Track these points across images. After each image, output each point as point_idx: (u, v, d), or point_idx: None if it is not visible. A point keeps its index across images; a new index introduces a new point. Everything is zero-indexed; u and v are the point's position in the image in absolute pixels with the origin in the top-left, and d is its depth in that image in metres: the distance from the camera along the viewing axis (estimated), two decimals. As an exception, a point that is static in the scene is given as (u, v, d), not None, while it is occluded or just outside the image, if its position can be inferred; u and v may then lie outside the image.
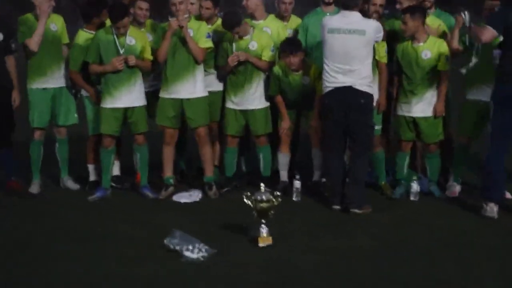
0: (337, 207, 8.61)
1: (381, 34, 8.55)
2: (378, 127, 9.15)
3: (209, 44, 9.20)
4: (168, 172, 9.42)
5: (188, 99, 9.18)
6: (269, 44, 9.29)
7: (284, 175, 9.51)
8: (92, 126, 9.59)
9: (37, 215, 8.62)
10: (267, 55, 9.28)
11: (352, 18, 8.43)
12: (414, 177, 9.10)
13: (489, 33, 7.98)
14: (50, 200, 9.30)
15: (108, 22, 9.37)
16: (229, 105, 9.46)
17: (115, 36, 9.05)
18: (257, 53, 9.26)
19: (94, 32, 9.32)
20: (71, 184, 9.79)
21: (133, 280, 6.58)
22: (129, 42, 9.10)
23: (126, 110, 9.18)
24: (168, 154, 9.37)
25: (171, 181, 9.42)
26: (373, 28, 8.44)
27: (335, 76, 8.40)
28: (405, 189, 9.11)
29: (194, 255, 7.06)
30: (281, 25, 9.71)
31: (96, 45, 9.08)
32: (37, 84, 9.49)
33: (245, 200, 7.43)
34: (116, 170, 9.84)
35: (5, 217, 8.63)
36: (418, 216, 8.45)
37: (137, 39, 9.15)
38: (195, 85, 9.19)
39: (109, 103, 9.12)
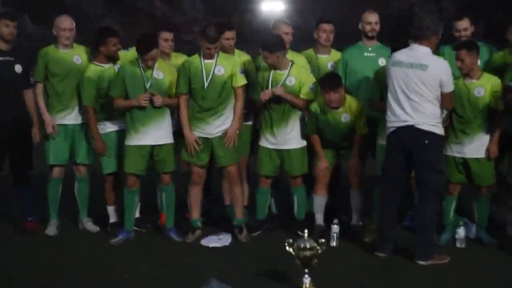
0: (381, 254, 7.98)
1: (450, 81, 7.89)
2: None
3: (244, 80, 8.70)
4: (196, 215, 8.81)
5: (217, 136, 8.62)
6: (308, 81, 8.73)
7: (320, 218, 8.90)
8: (108, 164, 9.00)
9: (55, 257, 8.16)
10: (305, 93, 8.71)
11: (417, 51, 7.82)
12: (461, 223, 8.48)
13: None
14: (69, 242, 8.73)
15: (125, 54, 8.95)
16: (263, 143, 8.89)
17: (141, 69, 8.49)
18: (294, 90, 8.69)
19: (104, 65, 8.80)
20: (91, 226, 9.18)
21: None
22: (156, 76, 8.55)
23: (153, 147, 8.59)
24: (196, 195, 8.78)
25: (199, 223, 8.82)
26: (440, 66, 7.81)
27: (397, 114, 7.81)
28: (451, 235, 8.48)
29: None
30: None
31: (122, 78, 8.52)
32: (56, 120, 8.93)
33: (287, 247, 6.81)
34: (136, 212, 9.23)
35: (19, 257, 8.13)
36: (464, 263, 7.86)
37: (165, 73, 8.60)
38: (224, 121, 8.62)
39: (135, 140, 8.54)
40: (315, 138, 8.76)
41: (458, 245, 8.37)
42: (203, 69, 8.48)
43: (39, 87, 8.97)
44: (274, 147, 8.83)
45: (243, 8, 32.77)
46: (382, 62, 9.08)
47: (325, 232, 8.65)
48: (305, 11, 27.33)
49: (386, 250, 7.99)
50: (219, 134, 8.59)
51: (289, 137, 8.77)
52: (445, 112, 8.07)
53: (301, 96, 8.72)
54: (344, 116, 8.57)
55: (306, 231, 6.89)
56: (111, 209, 9.17)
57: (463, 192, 8.67)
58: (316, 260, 6.79)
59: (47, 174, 9.16)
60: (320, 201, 8.89)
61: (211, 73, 8.47)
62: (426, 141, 7.71)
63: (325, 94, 8.49)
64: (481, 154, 8.31)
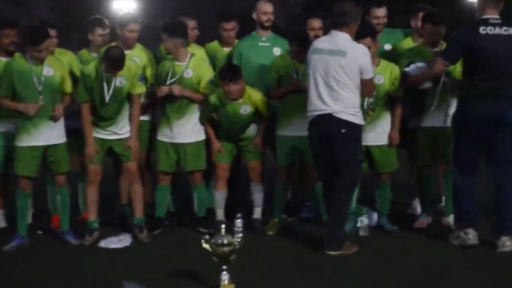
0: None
1: (370, 68, 7.81)
2: None
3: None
4: (92, 216, 8.45)
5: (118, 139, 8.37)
6: (207, 74, 8.58)
7: (220, 214, 8.73)
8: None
9: None
10: (204, 87, 8.55)
11: (337, 38, 7.73)
12: (364, 211, 8.52)
13: (438, 65, 7.78)
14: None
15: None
16: (161, 137, 8.64)
17: (30, 66, 8.06)
18: (192, 82, 8.50)
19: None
20: None
21: None
22: (47, 73, 8.11)
23: (46, 148, 8.17)
24: (92, 194, 8.43)
25: (96, 225, 8.46)
26: (358, 52, 7.70)
27: (315, 103, 7.69)
28: (354, 224, 8.49)
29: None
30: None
31: (9, 76, 8.06)
32: None
33: (203, 244, 6.59)
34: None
35: None
36: (369, 251, 7.83)
37: (55, 69, 8.18)
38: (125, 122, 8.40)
39: (26, 141, 8.10)
40: (207, 124, 8.61)
41: (361, 233, 8.39)
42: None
43: None
44: (170, 141, 8.59)
45: (91, 7, 32.09)
46: (277, 51, 9.03)
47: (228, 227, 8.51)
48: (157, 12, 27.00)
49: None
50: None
51: (184, 131, 8.56)
52: (369, 100, 8.09)
53: (200, 89, 8.52)
54: (243, 108, 8.43)
55: (223, 226, 6.69)
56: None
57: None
58: (234, 256, 6.61)
59: None
60: (220, 196, 8.72)
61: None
62: (343, 130, 7.61)
63: (225, 86, 8.33)
64: (383, 141, 8.35)
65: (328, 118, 7.61)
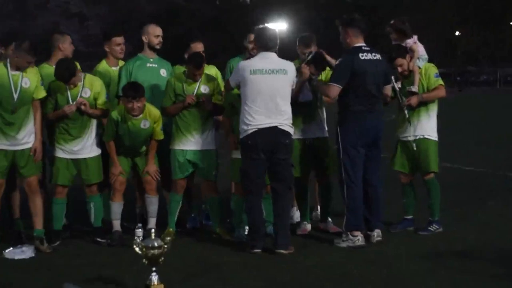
0: (259, 250, 8.43)
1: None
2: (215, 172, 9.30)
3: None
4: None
5: (21, 149, 8.58)
6: (103, 91, 8.97)
7: (117, 225, 9.12)
8: None
9: None
10: (102, 103, 8.96)
11: (273, 59, 8.45)
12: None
13: (334, 90, 8.63)
14: None
15: None
16: (59, 154, 8.94)
17: (10, 76, 8.41)
18: (90, 101, 8.88)
19: None
20: None
21: None
22: (24, 84, 8.42)
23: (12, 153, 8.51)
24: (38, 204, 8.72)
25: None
26: (293, 68, 8.56)
27: (258, 118, 8.30)
28: (244, 231, 9.17)
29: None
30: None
31: None
32: None
33: (134, 247, 7.04)
34: None
35: None
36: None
37: (31, 80, 8.51)
38: (28, 134, 8.61)
39: None
40: (111, 145, 8.99)
41: None
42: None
43: None
44: (70, 157, 8.91)
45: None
46: (163, 73, 9.62)
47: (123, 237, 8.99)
48: None
49: (260, 246, 8.47)
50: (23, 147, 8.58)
51: (85, 146, 8.92)
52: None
53: (98, 106, 8.92)
54: (143, 123, 8.90)
55: (153, 230, 7.14)
56: None
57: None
58: (162, 258, 7.08)
59: None
60: (117, 208, 9.11)
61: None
62: (287, 141, 8.40)
63: (127, 104, 8.77)
64: None
65: (274, 130, 8.35)
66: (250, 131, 8.37)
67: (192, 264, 8.01)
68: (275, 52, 8.55)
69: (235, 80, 8.54)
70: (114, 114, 8.89)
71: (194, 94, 9.01)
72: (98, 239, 8.98)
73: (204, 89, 9.08)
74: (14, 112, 8.42)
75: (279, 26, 50.76)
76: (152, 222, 9.18)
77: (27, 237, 8.98)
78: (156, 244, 7.04)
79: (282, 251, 8.37)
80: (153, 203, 9.17)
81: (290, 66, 8.54)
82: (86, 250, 8.76)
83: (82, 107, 8.75)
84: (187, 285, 7.35)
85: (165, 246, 7.08)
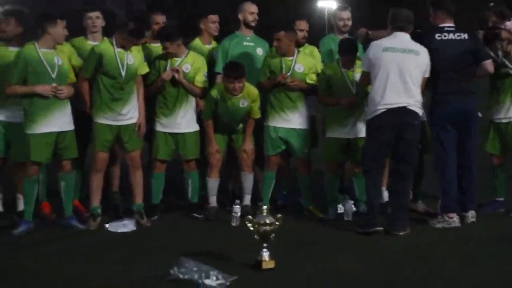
0: (381, 228, 8.44)
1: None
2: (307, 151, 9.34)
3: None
4: (96, 202, 8.81)
5: (126, 124, 8.71)
6: (202, 68, 9.09)
7: (213, 201, 9.28)
8: (16, 152, 8.79)
9: None
10: (200, 81, 9.07)
11: (406, 39, 8.45)
12: (340, 199, 9.33)
13: None
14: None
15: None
16: (158, 128, 9.09)
17: (41, 55, 8.38)
18: (190, 77, 9.01)
19: None
20: None
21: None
22: (57, 61, 8.45)
23: (57, 134, 8.45)
24: (97, 181, 8.78)
25: (99, 210, 8.82)
26: (426, 53, 8.49)
27: (387, 98, 8.29)
28: (336, 210, 9.29)
29: (213, 283, 6.68)
30: None
31: (23, 64, 8.32)
32: None
33: (247, 223, 7.19)
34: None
35: None
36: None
37: (63, 58, 8.55)
38: (133, 110, 8.75)
39: (39, 128, 8.36)
40: (209, 123, 9.12)
41: (346, 218, 9.16)
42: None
43: None
44: (168, 131, 9.05)
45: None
46: (259, 51, 9.67)
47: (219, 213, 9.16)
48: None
49: (380, 224, 8.46)
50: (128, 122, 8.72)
51: (183, 121, 9.06)
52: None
53: (196, 83, 9.04)
54: (242, 102, 9.01)
55: (265, 207, 7.28)
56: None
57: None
58: (274, 235, 7.23)
59: None
60: (213, 184, 9.25)
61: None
62: (416, 122, 8.42)
63: (229, 84, 8.88)
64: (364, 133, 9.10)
65: (403, 111, 8.32)
66: (379, 112, 8.33)
67: (286, 241, 8.01)
68: (409, 33, 8.52)
69: (365, 63, 8.50)
70: (214, 93, 9.01)
71: (290, 73, 9.09)
72: (195, 214, 9.14)
73: (298, 67, 9.15)
74: (122, 89, 8.57)
75: (328, 4, 50.18)
76: (247, 199, 9.31)
77: (124, 211, 9.17)
78: (268, 221, 7.19)
79: (400, 233, 8.40)
80: (248, 180, 9.29)
81: (423, 50, 8.48)
82: (183, 225, 8.93)
83: (176, 75, 8.88)
84: (287, 261, 7.41)
85: (277, 223, 7.23)
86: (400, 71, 8.32)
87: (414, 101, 8.40)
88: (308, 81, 9.20)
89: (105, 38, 8.86)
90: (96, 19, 9.32)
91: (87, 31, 9.34)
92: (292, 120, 9.16)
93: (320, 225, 8.96)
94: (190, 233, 8.58)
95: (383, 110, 8.32)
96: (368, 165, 8.56)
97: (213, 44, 9.83)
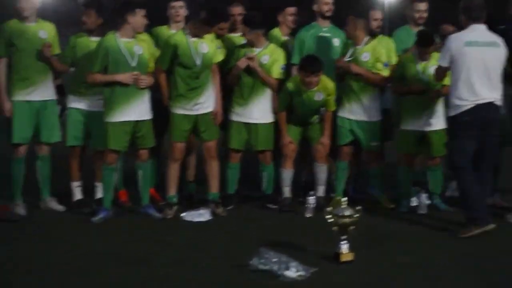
0: (493, 225, 8.13)
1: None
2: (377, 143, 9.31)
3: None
4: (173, 191, 8.92)
5: (202, 114, 8.78)
6: (280, 60, 9.13)
7: (287, 192, 9.32)
8: (73, 137, 8.96)
9: (28, 238, 7.91)
10: (277, 72, 9.10)
11: (484, 31, 8.29)
12: (414, 193, 9.29)
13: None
14: (38, 222, 8.51)
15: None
16: (233, 117, 9.17)
17: (121, 44, 8.50)
18: (267, 68, 9.06)
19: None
20: (56, 206, 8.98)
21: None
22: (137, 51, 8.57)
23: (135, 123, 8.58)
24: (175, 170, 8.89)
25: (175, 200, 8.93)
26: (502, 43, 8.31)
27: (475, 93, 8.13)
28: (409, 203, 9.26)
29: (293, 274, 6.73)
30: None
31: (104, 53, 8.45)
32: (21, 96, 8.66)
33: (326, 215, 7.22)
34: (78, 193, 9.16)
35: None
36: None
37: (143, 48, 8.66)
38: (209, 99, 8.81)
39: (117, 116, 8.49)
40: (282, 115, 9.16)
41: (420, 211, 9.12)
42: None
43: (2, 62, 8.66)
44: (243, 120, 9.12)
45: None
46: (336, 42, 9.65)
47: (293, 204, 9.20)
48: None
49: (488, 220, 8.17)
50: (204, 111, 8.79)
51: (257, 111, 9.11)
52: None
53: (273, 75, 9.08)
54: (317, 95, 9.02)
55: (345, 199, 7.30)
56: (75, 185, 9.05)
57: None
58: (353, 227, 7.24)
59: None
60: (287, 175, 9.29)
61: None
62: (498, 117, 8.30)
63: (305, 77, 8.89)
64: (439, 126, 9.07)
65: (490, 106, 8.18)
66: (467, 107, 8.15)
67: (360, 233, 7.76)
68: (483, 23, 8.33)
69: (447, 58, 8.27)
70: (289, 85, 9.04)
71: (350, 59, 9.13)
72: (269, 205, 9.20)
73: (364, 56, 9.14)
74: (198, 78, 8.65)
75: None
76: (321, 190, 9.33)
77: (198, 200, 9.28)
78: (348, 213, 7.21)
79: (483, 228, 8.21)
80: (322, 171, 9.31)
81: (501, 41, 8.32)
82: (258, 215, 9.00)
83: (250, 62, 8.92)
84: (364, 253, 7.40)
85: (356, 215, 7.24)
86: (485, 66, 8.17)
87: (498, 95, 8.28)
88: (373, 70, 9.14)
89: (179, 29, 8.97)
90: (179, 8, 9.42)
91: (170, 21, 9.43)
92: (362, 111, 9.17)
93: (393, 217, 8.95)
94: (265, 224, 8.64)
95: (472, 106, 8.14)
96: (459, 162, 8.26)
97: (291, 37, 9.85)
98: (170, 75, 8.76)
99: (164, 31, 9.39)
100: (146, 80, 8.51)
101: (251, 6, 9.87)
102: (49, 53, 8.68)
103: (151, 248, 7.56)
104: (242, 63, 8.94)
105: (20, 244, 7.69)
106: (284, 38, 9.77)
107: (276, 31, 9.78)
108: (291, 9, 9.73)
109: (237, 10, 9.62)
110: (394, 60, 9.37)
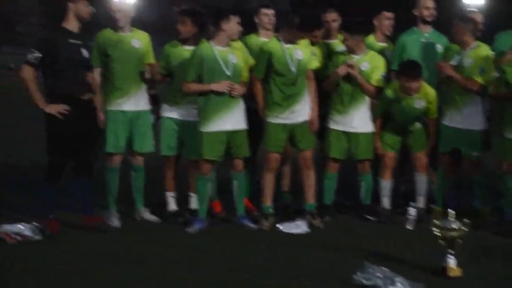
0: None
1: None
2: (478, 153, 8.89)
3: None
4: (269, 201, 8.70)
5: (299, 122, 8.55)
6: (381, 68, 8.84)
7: (386, 202, 9.00)
8: (167, 146, 8.79)
9: (126, 249, 7.74)
10: (377, 80, 8.81)
11: None
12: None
13: None
14: (133, 233, 8.32)
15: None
16: (332, 125, 8.90)
17: (217, 53, 8.32)
18: (367, 75, 8.77)
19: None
20: (150, 216, 8.85)
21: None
22: (231, 60, 8.38)
23: (230, 133, 8.40)
24: (270, 181, 8.68)
25: (271, 210, 8.71)
26: None
27: None
28: None
29: (400, 291, 6.44)
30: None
31: (198, 62, 8.31)
32: (114, 106, 8.55)
33: (433, 229, 6.89)
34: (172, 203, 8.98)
35: (86, 252, 7.57)
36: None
37: (237, 57, 8.48)
38: (305, 106, 8.58)
39: (213, 126, 8.32)
40: (378, 122, 8.89)
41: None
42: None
43: (96, 72, 8.59)
44: (342, 129, 8.84)
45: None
46: (439, 48, 9.26)
47: (392, 215, 8.88)
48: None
49: None
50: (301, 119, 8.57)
51: (357, 119, 8.81)
52: None
53: (372, 82, 8.78)
54: (418, 102, 8.70)
55: (452, 212, 6.96)
56: (169, 195, 8.91)
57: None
58: (460, 241, 6.90)
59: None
60: (386, 185, 8.98)
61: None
62: None
63: (405, 83, 8.60)
64: None
65: None
66: None
67: (465, 245, 7.32)
68: None
69: None
70: (389, 92, 8.75)
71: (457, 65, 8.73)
72: (368, 216, 8.91)
73: (466, 62, 8.71)
74: (294, 85, 8.44)
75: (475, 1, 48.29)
76: (421, 201, 8.99)
77: (294, 210, 9.04)
78: (455, 227, 6.89)
79: None
80: (423, 181, 8.98)
81: None
82: (356, 227, 8.74)
83: (350, 70, 8.64)
84: (472, 268, 7.07)
85: (464, 228, 6.91)
86: None
87: None
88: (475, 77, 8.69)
89: (272, 36, 8.78)
90: (272, 16, 9.22)
91: (260, 28, 9.22)
92: (462, 119, 8.73)
93: (498, 229, 8.52)
94: (364, 235, 8.36)
95: None
96: None
97: (388, 44, 9.54)
98: (265, 83, 8.54)
99: (253, 39, 9.19)
100: (240, 89, 8.31)
101: (344, 12, 9.55)
102: (156, 74, 8.65)
103: (242, 257, 7.43)
104: (342, 70, 8.67)
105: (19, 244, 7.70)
106: (380, 44, 9.45)
107: (370, 38, 9.46)
108: (388, 14, 9.42)
109: (332, 17, 9.35)
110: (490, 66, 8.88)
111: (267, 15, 9.21)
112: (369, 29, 9.48)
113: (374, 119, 8.90)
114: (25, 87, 8.01)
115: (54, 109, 7.96)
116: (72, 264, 7.04)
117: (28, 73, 7.98)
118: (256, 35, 9.24)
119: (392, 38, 9.58)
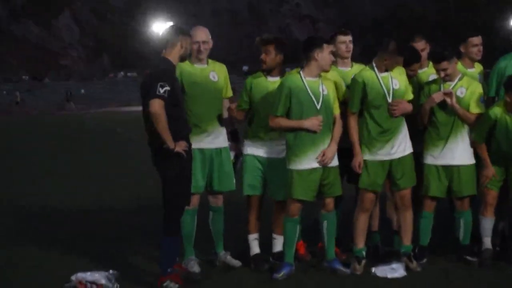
0: None
1: None
2: None
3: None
4: (361, 243, 8.04)
5: (398, 158, 7.90)
6: (479, 92, 8.13)
7: (488, 242, 8.25)
8: (250, 185, 8.17)
9: None
10: (476, 106, 8.10)
11: None
12: None
13: None
14: (217, 281, 7.78)
15: None
16: (429, 160, 8.18)
17: (306, 84, 7.75)
18: (465, 102, 8.07)
19: None
20: (232, 261, 8.23)
21: None
22: (322, 91, 7.78)
23: (323, 170, 7.76)
24: (363, 222, 8.03)
25: (364, 253, 8.04)
26: None
27: None
28: None
29: None
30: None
31: (287, 95, 7.71)
32: (192, 144, 7.92)
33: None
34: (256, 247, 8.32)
35: None
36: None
37: (328, 88, 7.85)
38: (405, 140, 7.96)
39: (305, 163, 7.70)
40: (483, 147, 8.13)
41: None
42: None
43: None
44: (441, 163, 8.13)
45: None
46: None
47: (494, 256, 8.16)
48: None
49: None
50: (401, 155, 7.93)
51: (457, 151, 8.10)
52: None
53: (471, 110, 8.09)
54: None
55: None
56: (252, 238, 8.28)
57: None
58: None
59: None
60: (488, 224, 8.25)
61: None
62: None
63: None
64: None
65: None
66: None
67: None
68: None
69: None
70: (493, 112, 8.03)
71: None
72: (468, 257, 8.18)
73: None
74: (391, 118, 7.82)
75: None
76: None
77: (385, 252, 8.39)
78: None
79: None
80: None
81: None
82: (456, 270, 8.01)
83: (448, 99, 7.96)
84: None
85: None
86: None
87: None
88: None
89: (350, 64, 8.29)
90: (349, 43, 8.57)
91: (336, 57, 8.52)
92: None
93: None
94: (467, 280, 7.67)
95: None
96: None
97: (477, 67, 8.86)
98: (359, 117, 7.93)
99: (334, 69, 8.50)
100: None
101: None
102: (233, 112, 8.11)
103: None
104: (438, 96, 8.00)
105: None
106: (470, 71, 8.75)
107: (459, 65, 8.76)
108: (475, 39, 8.74)
109: (421, 45, 8.67)
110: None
111: (345, 42, 8.56)
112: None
113: (478, 145, 8.14)
114: (155, 121, 7.24)
115: (180, 146, 7.36)
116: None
117: (159, 107, 7.26)
118: (335, 64, 8.55)
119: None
